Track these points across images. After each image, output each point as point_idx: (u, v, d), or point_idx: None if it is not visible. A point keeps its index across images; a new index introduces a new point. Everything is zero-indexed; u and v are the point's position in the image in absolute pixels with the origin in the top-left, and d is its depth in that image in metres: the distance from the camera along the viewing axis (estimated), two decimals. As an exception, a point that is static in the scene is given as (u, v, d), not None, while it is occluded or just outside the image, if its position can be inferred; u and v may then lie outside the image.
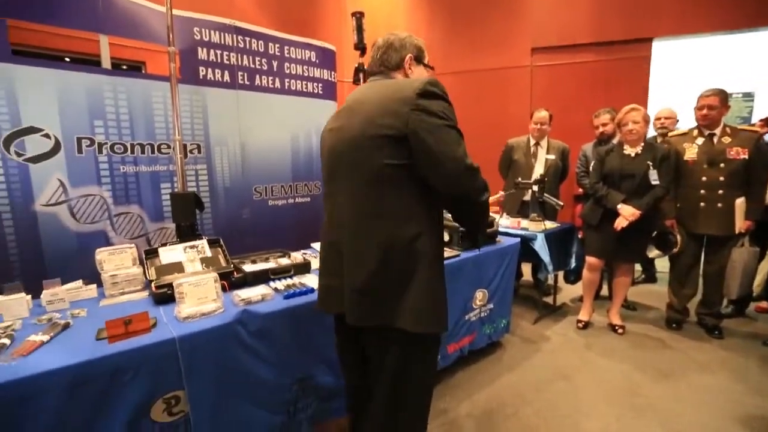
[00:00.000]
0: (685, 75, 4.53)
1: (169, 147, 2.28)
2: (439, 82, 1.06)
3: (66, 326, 1.27)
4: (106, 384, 1.09)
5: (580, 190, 3.52)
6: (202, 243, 1.83)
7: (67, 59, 3.19)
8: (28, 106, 1.87)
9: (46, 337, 1.17)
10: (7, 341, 1.15)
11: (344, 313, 1.12)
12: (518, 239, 2.52)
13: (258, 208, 2.66)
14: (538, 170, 3.24)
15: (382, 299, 1.05)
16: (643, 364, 2.33)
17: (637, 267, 3.78)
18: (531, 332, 2.77)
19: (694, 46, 4.18)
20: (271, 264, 1.74)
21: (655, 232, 2.71)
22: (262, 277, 1.63)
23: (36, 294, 1.47)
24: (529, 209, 3.19)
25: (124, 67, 3.40)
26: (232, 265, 1.73)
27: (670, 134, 2.91)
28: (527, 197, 3.26)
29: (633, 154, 2.54)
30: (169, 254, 1.75)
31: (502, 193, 1.71)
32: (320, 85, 2.94)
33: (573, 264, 2.96)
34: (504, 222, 2.89)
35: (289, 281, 1.61)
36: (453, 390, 2.08)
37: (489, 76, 4.40)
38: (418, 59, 1.22)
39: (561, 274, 3.13)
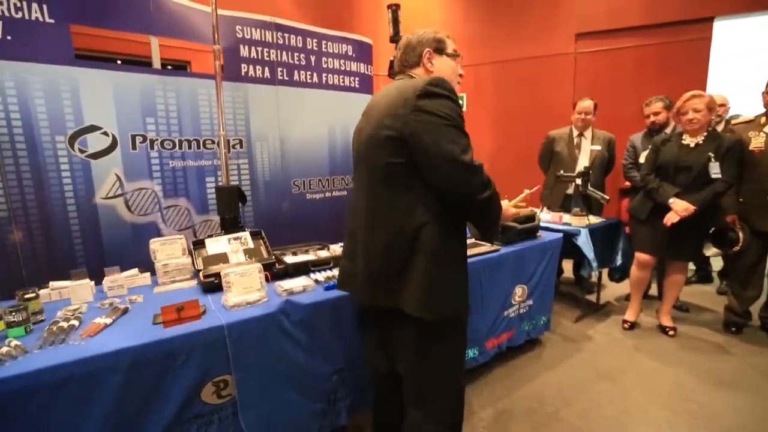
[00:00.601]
0: (749, 57, 4.15)
1: (213, 142, 2.38)
2: (444, 80, 1.08)
3: (125, 311, 1.36)
4: (162, 366, 1.16)
5: (627, 183, 3.33)
6: (245, 235, 1.89)
7: (119, 61, 3.40)
8: (88, 106, 2.01)
9: (109, 320, 1.27)
10: (76, 323, 1.25)
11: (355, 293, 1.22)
12: (560, 234, 2.42)
13: (296, 202, 2.73)
14: (583, 162, 3.09)
15: (387, 283, 1.13)
16: (697, 368, 2.19)
17: (690, 265, 3.54)
18: (572, 331, 2.67)
19: (760, 25, 3.81)
20: (311, 256, 1.78)
21: (713, 229, 2.51)
22: (302, 269, 1.66)
23: (97, 280, 1.59)
24: (571, 203, 3.07)
25: (169, 67, 3.58)
26: (273, 257, 1.78)
27: (733, 122, 2.68)
28: (570, 191, 3.13)
29: (693, 145, 2.36)
30: (214, 245, 1.83)
31: (527, 191, 1.65)
32: (357, 78, 2.94)
33: (619, 261, 2.81)
34: (545, 216, 2.79)
35: (329, 273, 1.64)
36: (491, 386, 2.05)
37: (529, 65, 4.23)
38: (439, 50, 1.23)
39: (605, 271, 2.99)
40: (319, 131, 2.79)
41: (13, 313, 1.19)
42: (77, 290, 1.47)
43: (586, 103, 3.08)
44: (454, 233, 1.15)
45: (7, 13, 1.78)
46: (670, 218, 2.33)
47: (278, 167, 2.63)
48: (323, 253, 1.83)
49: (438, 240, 1.09)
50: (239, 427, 1.30)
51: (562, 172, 2.90)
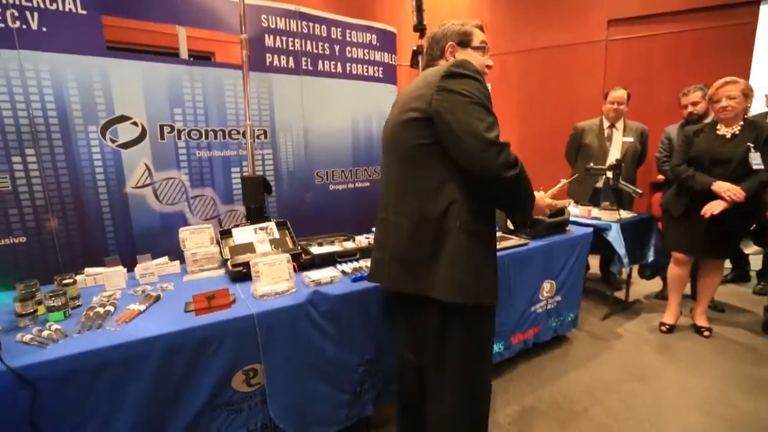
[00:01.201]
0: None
1: (238, 132, 2.39)
2: (469, 62, 1.09)
3: (158, 298, 1.38)
4: (195, 353, 1.17)
5: (660, 177, 3.19)
6: (271, 225, 1.90)
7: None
8: (119, 96, 2.04)
9: (142, 307, 1.29)
10: (111, 309, 1.28)
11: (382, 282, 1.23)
12: (591, 229, 2.34)
13: (319, 193, 2.72)
14: (614, 154, 2.98)
15: (416, 269, 1.12)
16: (734, 372, 2.09)
17: (726, 263, 3.38)
18: (600, 328, 2.60)
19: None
20: (336, 247, 1.77)
21: (755, 225, 2.38)
22: (329, 260, 1.66)
23: (128, 267, 1.62)
24: (600, 197, 2.96)
25: (191, 59, 3.61)
26: (299, 247, 1.78)
27: None
28: (599, 184, 3.02)
29: (728, 135, 2.22)
30: (241, 235, 1.84)
31: (564, 181, 1.59)
32: (381, 68, 2.90)
33: (651, 258, 2.71)
34: (573, 210, 2.70)
35: (355, 264, 1.63)
36: (517, 382, 2.01)
37: (557, 54, 4.08)
38: (464, 44, 1.24)
39: (634, 267, 2.88)
40: (342, 122, 2.77)
41: (53, 298, 1.22)
42: (111, 277, 1.50)
43: (619, 93, 2.95)
44: (483, 217, 1.14)
45: (42, 5, 1.81)
46: (714, 206, 2.12)
47: (302, 158, 2.63)
48: (349, 244, 1.82)
49: (466, 221, 1.08)
50: (267, 415, 1.31)
51: (592, 164, 2.80)
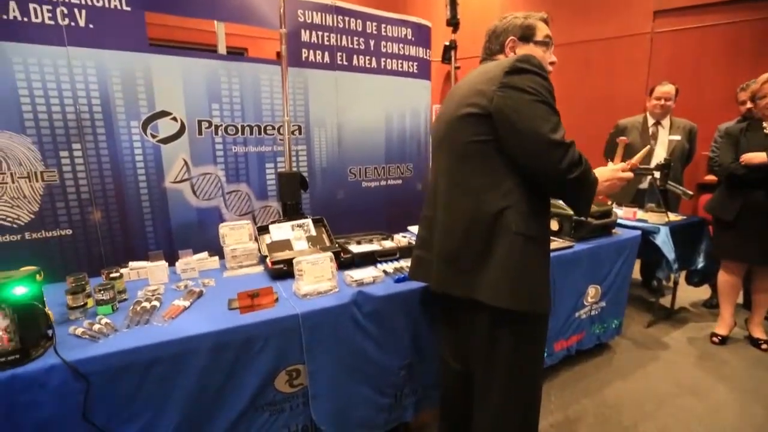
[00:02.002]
0: None
1: (273, 128, 2.38)
2: (533, 57, 1.03)
3: (200, 294, 1.37)
4: (240, 351, 1.15)
5: (708, 177, 3.01)
6: (308, 222, 1.88)
7: (182, 49, 3.51)
8: (160, 91, 2.06)
9: (186, 303, 1.28)
10: (157, 304, 1.28)
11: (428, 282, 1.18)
12: (639, 232, 2.22)
13: (352, 190, 2.69)
14: (659, 154, 2.82)
15: (464, 270, 1.07)
16: (799, 388, 1.93)
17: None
18: (644, 337, 2.47)
19: None
20: (375, 246, 1.73)
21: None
22: (368, 259, 1.62)
23: (168, 262, 1.63)
24: (645, 198, 2.81)
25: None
26: (337, 245, 1.75)
27: None
28: (643, 185, 2.87)
29: None
30: (278, 231, 1.82)
31: (648, 147, 1.51)
32: (415, 64, 2.84)
33: (700, 263, 2.55)
34: (617, 212, 2.57)
35: (396, 264, 1.58)
36: (559, 391, 1.92)
37: (597, 48, 3.90)
38: (526, 38, 1.17)
39: (681, 274, 2.72)
40: (376, 118, 2.72)
41: (102, 292, 1.23)
42: (155, 271, 1.51)
43: (667, 88, 2.79)
44: (539, 217, 1.08)
45: (89, 2, 1.84)
46: (756, 157, 2.04)
47: (335, 154, 2.60)
48: (388, 243, 1.78)
49: (522, 223, 1.02)
50: (309, 416, 1.29)
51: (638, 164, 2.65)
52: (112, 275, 1.35)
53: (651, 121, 2.91)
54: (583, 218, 1.94)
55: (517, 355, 1.10)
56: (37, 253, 1.88)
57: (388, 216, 2.79)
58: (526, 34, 1.16)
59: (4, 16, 1.69)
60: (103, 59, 1.90)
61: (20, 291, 0.94)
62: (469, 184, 1.07)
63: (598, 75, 3.89)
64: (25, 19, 1.73)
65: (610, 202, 2.65)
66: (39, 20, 1.75)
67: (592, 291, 2.02)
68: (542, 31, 1.18)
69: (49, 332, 1.05)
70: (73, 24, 1.82)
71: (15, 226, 1.85)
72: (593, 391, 1.92)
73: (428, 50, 2.92)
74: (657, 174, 2.50)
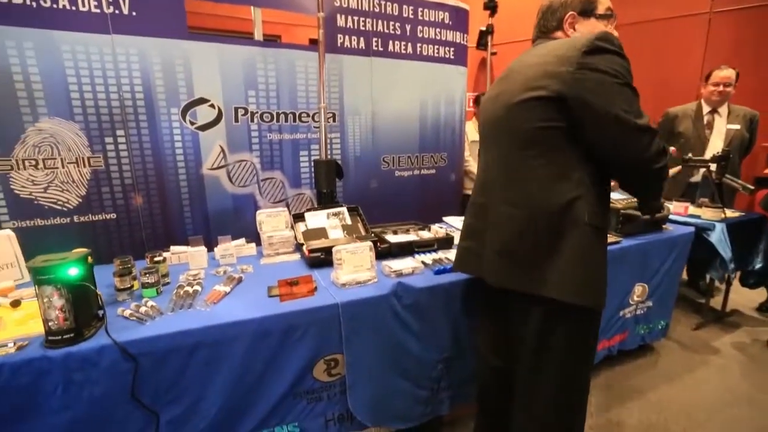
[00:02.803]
0: None
1: (308, 115, 2.36)
2: (612, 35, 0.94)
3: (240, 280, 1.38)
4: (280, 339, 1.15)
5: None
6: (343, 210, 1.86)
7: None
8: (198, 78, 2.08)
9: (227, 289, 1.29)
10: (198, 288, 1.29)
11: (482, 276, 1.12)
12: (692, 229, 2.07)
13: (385, 179, 2.65)
14: (715, 144, 2.62)
15: (526, 264, 1.01)
16: None
17: None
18: (692, 339, 2.33)
19: None
20: (412, 236, 1.69)
21: None
22: (406, 249, 1.58)
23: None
24: (697, 193, 2.63)
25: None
26: (372, 234, 1.72)
27: None
28: (695, 177, 2.68)
29: None
30: (313, 219, 1.81)
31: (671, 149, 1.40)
32: (452, 49, 2.74)
33: (758, 264, 2.36)
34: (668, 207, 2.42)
35: (434, 255, 1.54)
36: (600, 391, 1.84)
37: (647, 30, 3.64)
38: (586, 12, 1.07)
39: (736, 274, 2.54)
40: (411, 106, 2.66)
41: (147, 275, 1.25)
42: (195, 256, 1.53)
43: (726, 72, 2.57)
44: (604, 209, 1.02)
45: (132, -11, 1.86)
46: None
47: (369, 142, 2.56)
48: (425, 234, 1.73)
49: (593, 214, 0.96)
50: (345, 406, 1.28)
51: (690, 155, 2.47)
52: (156, 259, 1.37)
53: (706, 108, 2.70)
54: (648, 215, 1.82)
55: (570, 352, 1.04)
56: (84, 236, 1.96)
57: (421, 206, 2.74)
58: (587, 8, 1.07)
59: (54, 5, 1.74)
60: (145, 47, 1.93)
61: (74, 272, 0.96)
62: (533, 172, 1.00)
63: (647, 59, 3.63)
64: (73, 8, 1.77)
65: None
66: (86, 9, 1.79)
67: (639, 289, 1.91)
68: (603, 3, 1.08)
69: (100, 313, 1.08)
70: (117, 12, 1.85)
71: (64, 209, 1.92)
72: (637, 394, 1.83)
73: (465, 35, 2.82)
74: (713, 166, 2.32)
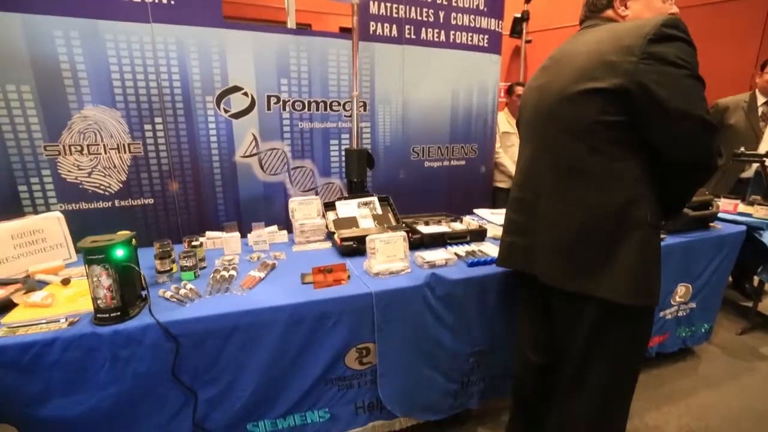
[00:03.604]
0: None
1: (339, 104, 2.35)
2: (679, 20, 0.86)
3: (273, 267, 1.40)
4: (314, 326, 1.16)
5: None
6: (374, 200, 1.85)
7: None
8: (233, 66, 2.10)
9: (262, 274, 1.31)
10: (234, 273, 1.32)
11: (530, 272, 1.08)
12: (743, 227, 1.95)
13: (414, 170, 2.62)
14: (771, 138, 2.44)
15: (581, 263, 0.97)
16: None
17: None
18: (736, 345, 2.20)
19: None
20: (444, 228, 1.66)
21: None
22: (438, 240, 1.56)
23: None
24: (748, 189, 2.47)
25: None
26: (404, 224, 1.71)
27: None
28: (747, 173, 2.52)
29: None
30: (344, 208, 1.81)
31: None
32: (486, 36, 2.65)
33: (815, 266, 2.19)
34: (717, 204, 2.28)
35: (467, 248, 1.51)
36: (637, 394, 1.76)
37: (696, 15, 3.39)
38: None
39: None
40: (442, 95, 2.60)
41: (186, 259, 1.28)
42: (230, 242, 1.56)
43: (786, 61, 2.38)
44: (661, 207, 0.96)
45: (171, -22, 1.89)
46: None
47: (399, 132, 2.53)
48: (457, 226, 1.70)
49: (653, 216, 0.91)
50: (376, 394, 1.29)
51: (743, 149, 2.32)
52: (193, 243, 1.41)
53: (761, 99, 2.52)
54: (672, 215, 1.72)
55: (621, 353, 1.00)
56: (124, 219, 2.03)
57: (450, 198, 2.69)
58: None
59: (98, -6, 1.78)
60: (182, 35, 1.96)
61: (121, 253, 1.00)
62: (589, 169, 0.94)
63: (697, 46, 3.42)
64: (116, -3, 1.81)
65: (707, 192, 2.36)
66: (128, -3, 1.83)
67: (682, 290, 1.81)
68: None
69: (143, 293, 1.11)
70: (157, 1, 1.88)
71: (106, 193, 2.00)
72: (676, 399, 1.75)
73: (500, 21, 2.72)
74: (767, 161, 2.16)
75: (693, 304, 1.89)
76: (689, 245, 1.75)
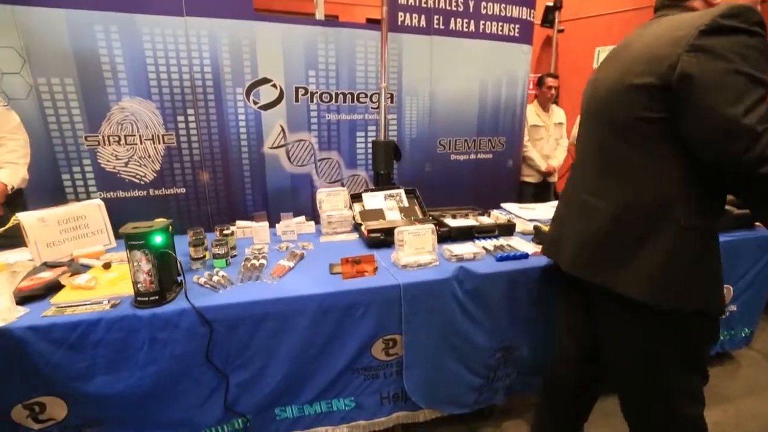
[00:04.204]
0: None
1: (366, 96, 2.35)
2: (748, 8, 0.76)
3: (302, 256, 1.42)
4: (342, 316, 1.17)
5: None
6: (401, 192, 1.84)
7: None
8: (262, 59, 2.12)
9: (291, 264, 1.33)
10: (264, 262, 1.34)
11: (559, 262, 1.07)
12: (793, 226, 1.83)
13: (440, 162, 2.60)
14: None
15: (607, 257, 0.94)
16: None
17: None
18: (779, 350, 2.09)
19: None
20: (472, 221, 1.64)
21: None
22: (466, 234, 1.54)
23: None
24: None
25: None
26: (430, 217, 1.69)
27: None
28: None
29: None
30: (371, 200, 1.82)
31: None
32: (517, 26, 2.58)
33: None
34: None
35: (495, 242, 1.48)
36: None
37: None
38: None
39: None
40: (470, 87, 2.56)
41: (218, 246, 1.32)
42: (259, 231, 1.59)
43: None
44: (712, 209, 0.89)
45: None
46: None
47: (425, 125, 2.51)
48: (485, 219, 1.67)
49: (694, 217, 0.85)
50: (401, 385, 1.29)
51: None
52: (225, 232, 1.44)
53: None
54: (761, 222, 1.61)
55: (666, 356, 0.95)
56: (158, 208, 2.11)
57: (476, 192, 2.66)
58: None
59: (135, -11, 1.84)
60: (215, 28, 2.00)
61: (159, 240, 1.03)
62: (627, 165, 0.90)
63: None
64: (152, -9, 1.86)
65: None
66: (163, -9, 1.88)
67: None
68: None
69: (179, 279, 1.15)
70: (195, -6, 1.92)
71: (142, 183, 2.08)
72: (711, 404, 1.66)
73: (532, 10, 2.64)
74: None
75: (733, 307, 1.79)
76: (731, 245, 1.65)
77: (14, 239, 1.37)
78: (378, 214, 1.74)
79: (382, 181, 2.00)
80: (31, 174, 1.65)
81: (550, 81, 2.89)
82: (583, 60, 3.81)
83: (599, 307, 1.03)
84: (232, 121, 2.16)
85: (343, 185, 2.46)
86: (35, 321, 0.97)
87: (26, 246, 1.32)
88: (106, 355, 1.01)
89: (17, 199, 1.61)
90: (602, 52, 3.69)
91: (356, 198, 1.84)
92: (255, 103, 2.17)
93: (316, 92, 2.26)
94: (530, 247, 1.45)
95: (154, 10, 1.89)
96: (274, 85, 2.18)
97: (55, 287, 1.13)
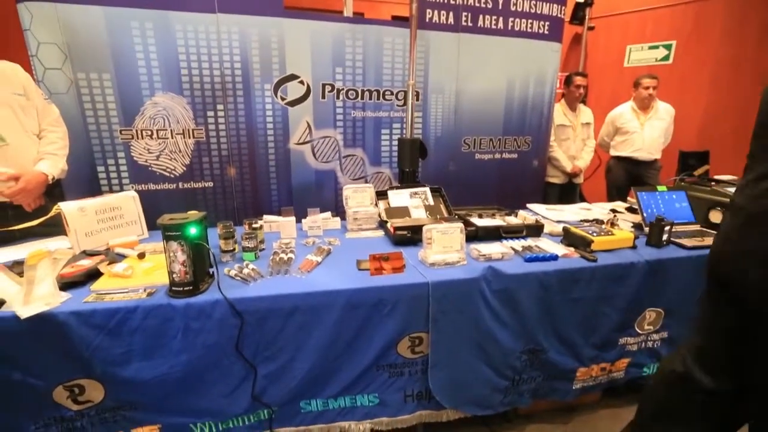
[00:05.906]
0: None
1: (391, 93, 2.34)
2: None
3: (329, 252, 1.43)
4: (369, 312, 1.17)
5: None
6: (426, 190, 1.83)
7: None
8: (290, 55, 2.14)
9: (318, 259, 1.34)
10: (292, 256, 1.36)
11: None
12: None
13: (464, 161, 2.57)
14: None
15: None
16: None
17: None
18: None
19: None
20: (499, 221, 1.62)
21: None
22: (493, 234, 1.52)
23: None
24: None
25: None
26: (456, 216, 1.68)
27: None
28: None
29: None
30: (396, 198, 1.81)
31: None
32: (547, 23, 2.53)
33: None
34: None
35: (523, 242, 1.46)
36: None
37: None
38: None
39: None
40: (497, 85, 2.52)
41: (248, 240, 1.34)
42: (286, 226, 1.61)
43: None
44: None
45: (236, -32, 1.95)
46: None
47: (450, 123, 2.49)
48: (512, 219, 1.65)
49: None
50: (425, 384, 1.29)
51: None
52: (253, 226, 1.46)
53: None
54: None
55: None
56: (187, 201, 2.16)
57: (500, 192, 2.62)
58: None
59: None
60: (245, 24, 2.03)
61: (194, 231, 1.05)
62: None
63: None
64: (187, -12, 1.90)
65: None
66: (199, -12, 1.91)
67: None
68: None
69: (211, 270, 1.17)
70: (223, -10, 1.96)
71: (172, 176, 2.13)
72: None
73: (563, 7, 2.58)
74: None
75: None
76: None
77: (52, 227, 1.42)
78: (403, 211, 1.73)
79: (407, 179, 1.99)
80: (69, 165, 1.71)
81: (578, 80, 2.82)
82: (614, 58, 3.70)
83: None
84: (260, 116, 2.19)
85: (366, 182, 2.46)
86: (77, 306, 1.01)
87: (64, 235, 1.37)
88: (142, 342, 1.04)
89: (55, 189, 1.67)
90: (633, 51, 3.58)
91: (381, 195, 1.84)
92: (282, 99, 2.19)
93: (343, 89, 2.27)
94: (559, 249, 1.42)
95: (188, 7, 1.93)
96: (302, 82, 2.20)
97: (94, 275, 1.17)
